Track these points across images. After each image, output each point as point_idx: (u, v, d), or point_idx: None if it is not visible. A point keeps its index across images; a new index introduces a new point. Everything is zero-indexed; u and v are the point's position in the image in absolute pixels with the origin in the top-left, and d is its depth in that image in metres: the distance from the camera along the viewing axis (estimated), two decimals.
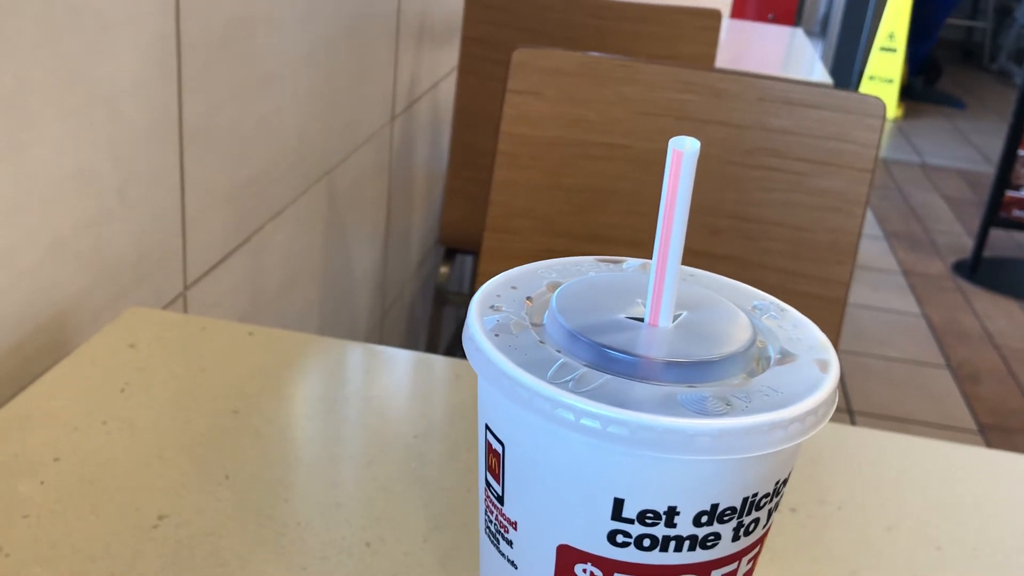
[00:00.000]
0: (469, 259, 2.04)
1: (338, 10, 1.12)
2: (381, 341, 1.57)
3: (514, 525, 0.28)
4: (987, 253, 3.14)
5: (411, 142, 1.58)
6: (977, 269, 3.10)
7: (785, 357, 0.28)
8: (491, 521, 0.29)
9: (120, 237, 0.73)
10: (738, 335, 0.28)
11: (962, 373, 2.51)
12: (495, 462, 0.28)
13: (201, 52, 0.80)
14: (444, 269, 1.73)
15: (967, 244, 3.32)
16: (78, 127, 0.65)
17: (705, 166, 1.03)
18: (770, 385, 0.26)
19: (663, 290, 0.28)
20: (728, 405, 0.25)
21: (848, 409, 2.28)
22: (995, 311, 2.88)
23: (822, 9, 5.43)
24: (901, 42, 4.93)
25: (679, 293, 0.29)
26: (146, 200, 0.75)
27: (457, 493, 0.50)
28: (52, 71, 0.62)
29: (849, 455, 0.59)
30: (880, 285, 3.01)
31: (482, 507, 0.30)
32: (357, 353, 0.65)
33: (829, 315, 1.01)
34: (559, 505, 0.27)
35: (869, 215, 3.64)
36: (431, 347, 1.73)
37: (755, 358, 0.28)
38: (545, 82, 1.04)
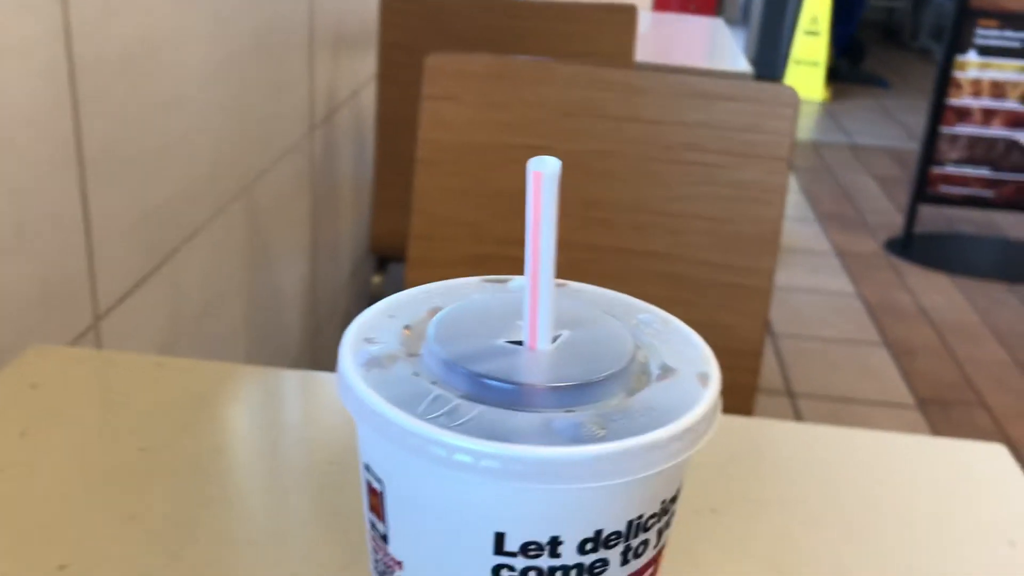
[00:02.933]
0: (403, 267, 2.02)
1: (246, 23, 1.10)
2: (314, 356, 1.55)
3: (400, 565, 0.27)
4: (917, 229, 3.20)
5: (334, 152, 1.56)
6: (909, 246, 3.17)
7: (666, 373, 0.28)
8: (378, 561, 0.28)
9: (21, 273, 0.70)
10: (618, 353, 0.28)
11: (899, 349, 2.55)
12: (376, 502, 0.27)
13: (98, 76, 0.78)
14: (377, 279, 1.71)
15: (898, 222, 3.38)
16: None
17: (625, 163, 1.03)
18: (649, 404, 0.26)
19: (538, 312, 0.27)
20: (603, 429, 0.24)
21: (789, 392, 2.31)
22: (928, 287, 2.94)
23: None
24: (825, 25, 5.02)
25: (561, 312, 0.29)
26: (48, 233, 0.73)
27: None
28: None
29: (767, 451, 0.59)
30: (815, 267, 3.05)
31: (370, 546, 0.29)
32: (272, 380, 0.63)
33: (756, 304, 1.02)
34: (442, 542, 0.26)
35: (801, 198, 3.69)
36: None
37: (636, 376, 0.28)
38: (461, 86, 1.03)
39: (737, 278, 1.02)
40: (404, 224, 1.06)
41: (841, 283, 2.94)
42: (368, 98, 1.72)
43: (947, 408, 2.30)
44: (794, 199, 3.68)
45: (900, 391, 2.35)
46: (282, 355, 1.37)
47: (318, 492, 0.51)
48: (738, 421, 0.61)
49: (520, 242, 0.96)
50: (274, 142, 1.24)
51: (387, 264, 1.72)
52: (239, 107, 1.10)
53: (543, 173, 0.25)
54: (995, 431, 2.20)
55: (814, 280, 2.95)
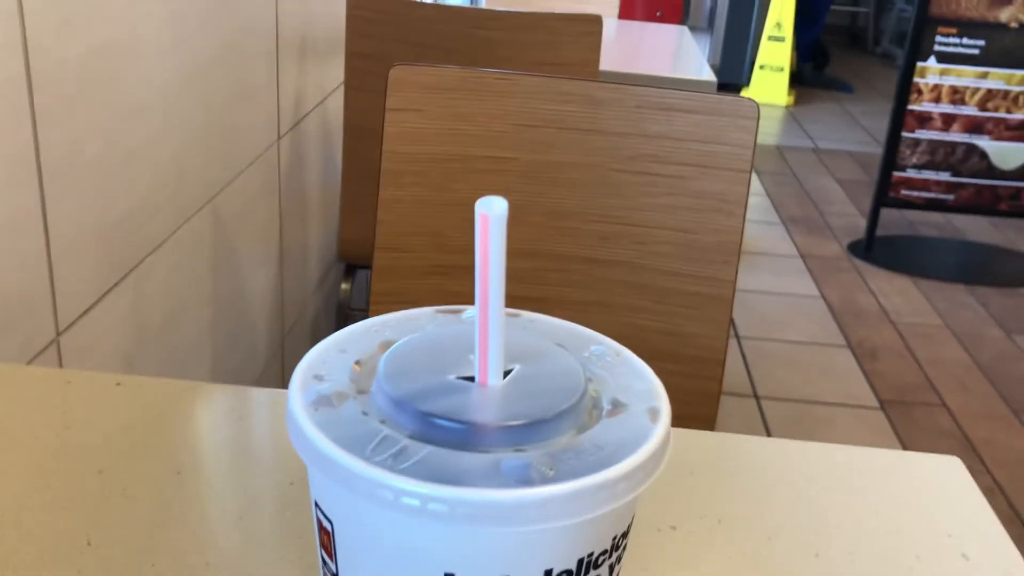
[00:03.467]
0: (371, 273, 2.02)
1: (211, 32, 1.09)
2: (283, 364, 1.54)
3: None
4: (880, 232, 3.25)
5: (301, 160, 1.55)
6: (871, 248, 3.21)
7: (616, 408, 0.28)
8: None
9: None
10: (570, 389, 0.28)
11: (862, 351, 2.59)
12: (327, 540, 0.27)
13: (57, 87, 0.77)
14: (345, 285, 1.70)
15: (861, 225, 3.42)
16: None
17: (589, 174, 1.04)
18: (597, 442, 0.26)
19: (488, 349, 0.27)
20: (552, 470, 0.25)
21: (754, 394, 2.33)
22: (890, 289, 2.98)
23: (708, 3, 5.54)
24: (788, 30, 5.06)
25: (513, 344, 0.29)
26: (4, 248, 0.72)
27: None
28: None
29: (726, 465, 0.60)
30: (779, 270, 3.08)
31: None
32: (232, 398, 0.63)
33: (718, 313, 1.03)
34: None
35: (766, 201, 3.73)
36: None
37: (588, 410, 0.28)
38: (425, 98, 1.03)
39: (700, 287, 1.03)
40: (372, 231, 1.06)
41: (805, 285, 2.97)
42: (336, 106, 1.72)
43: (909, 409, 2.33)
44: (759, 202, 3.71)
45: (863, 392, 2.38)
46: (249, 364, 1.37)
47: (279, 514, 0.51)
48: (698, 435, 0.62)
49: None
50: (240, 151, 1.24)
51: (355, 271, 1.72)
52: (204, 116, 1.09)
53: (490, 216, 0.25)
54: (956, 432, 2.24)
55: (778, 283, 2.98)
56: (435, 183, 1.05)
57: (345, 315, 1.71)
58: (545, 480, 0.24)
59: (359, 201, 1.59)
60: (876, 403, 2.34)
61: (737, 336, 2.60)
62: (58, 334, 0.81)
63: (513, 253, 1.05)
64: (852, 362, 2.53)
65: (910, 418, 2.28)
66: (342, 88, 1.69)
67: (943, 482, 0.60)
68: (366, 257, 1.72)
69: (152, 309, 1.00)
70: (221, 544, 0.48)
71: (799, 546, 0.52)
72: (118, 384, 0.62)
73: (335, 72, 1.69)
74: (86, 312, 0.85)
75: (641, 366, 0.30)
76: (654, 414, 0.28)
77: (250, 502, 0.52)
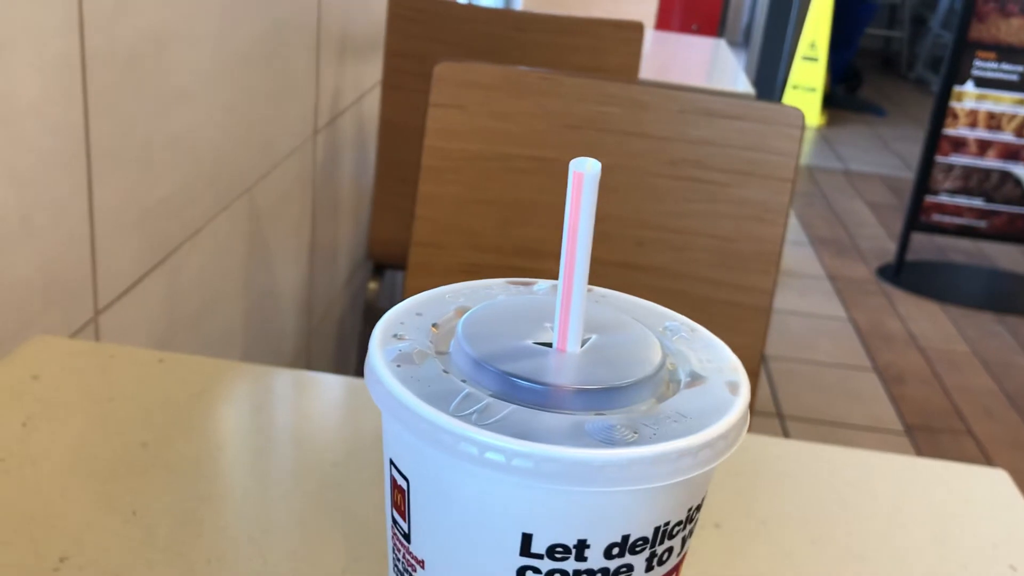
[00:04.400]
0: (399, 274, 2.02)
1: (255, 23, 1.10)
2: (309, 360, 1.55)
3: (422, 563, 0.27)
4: (909, 257, 3.22)
5: (335, 156, 1.55)
6: (900, 273, 3.18)
7: (695, 380, 0.27)
8: (399, 560, 0.28)
9: (25, 264, 0.70)
10: (648, 359, 0.27)
11: (888, 375, 2.56)
12: (400, 498, 0.27)
13: (108, 70, 0.78)
14: (373, 285, 1.70)
15: (890, 248, 3.40)
16: None
17: (629, 178, 1.03)
18: (679, 410, 0.26)
19: (570, 315, 0.27)
20: (636, 433, 0.24)
21: (778, 414, 2.31)
22: (918, 313, 2.95)
23: (744, 19, 5.53)
24: (823, 51, 5.05)
25: (589, 316, 0.28)
26: (52, 225, 0.72)
27: (376, 523, 0.48)
28: None
29: (773, 467, 0.59)
30: (807, 290, 3.06)
31: (390, 544, 0.29)
32: (273, 378, 0.63)
33: (755, 323, 1.02)
34: (467, 542, 0.26)
35: (794, 221, 3.71)
36: (361, 366, 1.70)
37: (665, 382, 0.28)
38: (467, 96, 1.03)
39: (737, 296, 1.02)
40: (402, 232, 1.06)
41: (833, 307, 2.95)
42: (372, 104, 1.72)
43: (935, 435, 2.30)
44: (788, 222, 3.69)
45: (889, 416, 2.36)
46: (277, 357, 1.37)
47: (318, 491, 0.50)
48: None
49: (520, 252, 0.96)
50: (277, 144, 1.24)
51: (383, 271, 1.72)
52: (244, 107, 1.10)
53: (584, 174, 0.25)
54: (981, 459, 2.21)
55: (806, 303, 2.96)
56: (473, 181, 1.05)
57: (373, 315, 1.71)
58: (628, 443, 0.24)
59: (391, 201, 1.59)
60: (901, 427, 2.31)
61: (763, 355, 2.59)
62: (96, 313, 0.81)
63: (549, 255, 1.05)
64: (878, 386, 2.50)
65: (936, 444, 2.26)
66: (379, 87, 1.70)
67: (989, 493, 0.59)
68: (395, 257, 1.72)
69: (187, 294, 1.00)
70: (264, 520, 0.48)
71: (842, 551, 0.52)
72: (160, 360, 0.62)
73: (373, 70, 1.70)
74: (125, 293, 0.86)
75: (717, 342, 0.30)
76: (734, 387, 0.27)
77: (294, 481, 0.52)
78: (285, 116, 1.26)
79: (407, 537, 0.27)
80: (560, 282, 0.27)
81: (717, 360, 0.29)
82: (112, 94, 0.79)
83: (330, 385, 0.63)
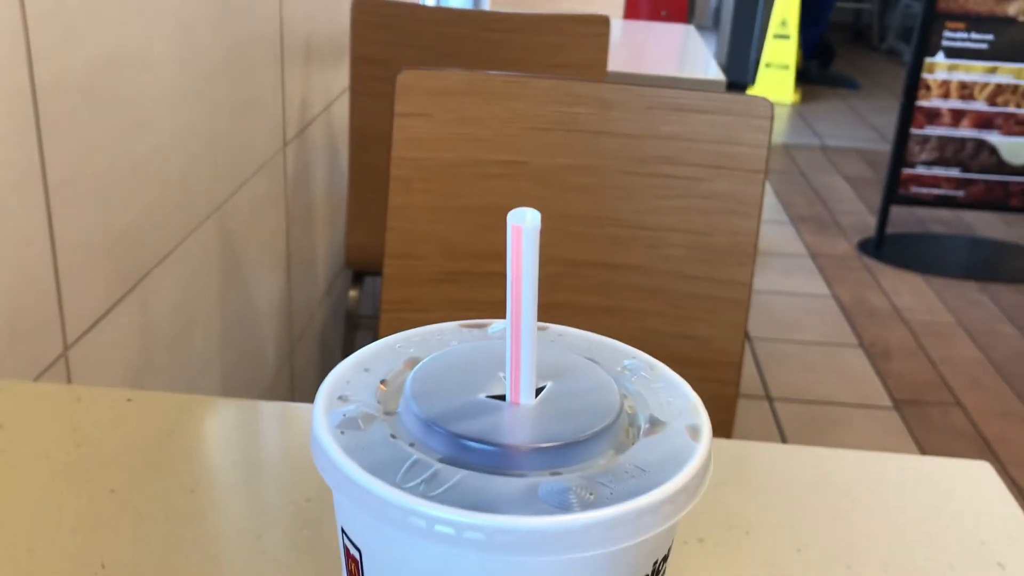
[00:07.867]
0: (379, 280, 2.00)
1: (215, 40, 1.08)
2: (292, 374, 1.53)
3: None
4: (890, 230, 3.22)
5: (308, 167, 1.54)
6: (881, 246, 3.18)
7: (654, 426, 0.27)
8: None
9: None
10: (605, 407, 0.27)
11: (874, 351, 2.57)
12: (355, 568, 0.26)
13: (62, 99, 0.76)
14: (353, 293, 1.69)
15: (870, 223, 3.40)
16: None
17: (601, 178, 1.02)
18: (638, 463, 0.25)
19: (520, 368, 0.26)
20: (592, 494, 0.23)
21: (767, 396, 2.31)
22: (901, 286, 2.96)
23: (713, 2, 5.52)
24: (794, 28, 5.05)
25: (543, 361, 0.28)
26: (11, 262, 0.71)
27: None
28: None
29: (751, 474, 0.58)
30: (789, 269, 3.06)
31: None
32: (246, 412, 0.62)
33: (733, 316, 1.02)
34: None
35: (774, 200, 3.71)
36: None
37: (624, 428, 0.27)
38: (433, 103, 1.02)
39: (715, 290, 1.02)
40: (380, 238, 1.05)
41: (816, 285, 2.96)
42: (341, 112, 1.71)
43: (923, 408, 2.31)
44: (767, 202, 3.69)
45: (877, 392, 2.36)
46: (259, 374, 1.36)
47: (296, 532, 0.49)
48: (722, 444, 0.60)
49: (496, 257, 0.95)
50: (246, 160, 1.23)
51: (363, 278, 1.70)
52: (209, 126, 1.08)
53: (523, 227, 0.24)
54: (971, 431, 2.22)
55: (789, 283, 2.96)
56: (445, 189, 1.04)
57: (354, 323, 1.70)
58: (585, 505, 0.23)
59: (366, 207, 1.58)
60: (890, 403, 2.32)
61: (748, 337, 2.59)
62: (66, 348, 0.80)
63: None
64: (865, 362, 2.51)
65: (925, 418, 2.26)
66: (347, 94, 1.68)
67: (973, 488, 0.59)
68: (374, 264, 1.71)
69: (160, 321, 0.99)
70: (238, 564, 0.47)
71: (829, 558, 0.51)
72: (129, 400, 0.60)
73: (340, 78, 1.68)
74: (94, 325, 0.84)
75: (678, 381, 0.29)
76: (695, 432, 0.26)
77: (266, 520, 0.50)
78: (252, 131, 1.25)
79: None
80: (508, 334, 0.26)
81: (678, 402, 0.28)
82: (67, 123, 0.77)
83: (303, 416, 0.62)
